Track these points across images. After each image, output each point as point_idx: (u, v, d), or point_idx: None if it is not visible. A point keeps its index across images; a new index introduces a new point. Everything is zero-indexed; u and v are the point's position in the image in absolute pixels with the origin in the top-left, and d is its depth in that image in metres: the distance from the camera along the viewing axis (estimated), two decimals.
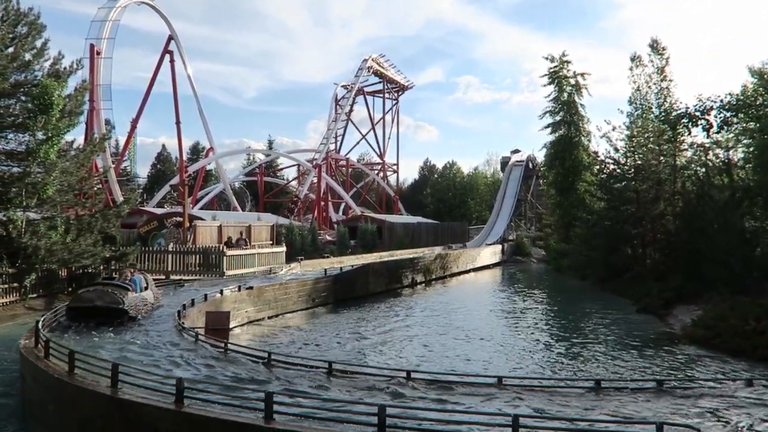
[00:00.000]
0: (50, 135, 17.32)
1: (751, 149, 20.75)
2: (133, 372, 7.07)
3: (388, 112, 72.93)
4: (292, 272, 23.54)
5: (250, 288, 17.48)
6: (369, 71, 67.34)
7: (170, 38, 47.13)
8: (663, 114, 28.06)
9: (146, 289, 13.68)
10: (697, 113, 19.74)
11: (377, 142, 72.97)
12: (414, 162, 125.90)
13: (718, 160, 23.36)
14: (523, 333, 16.75)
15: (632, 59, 33.30)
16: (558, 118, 45.65)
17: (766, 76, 20.51)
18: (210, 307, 14.19)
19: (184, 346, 10.05)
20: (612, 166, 31.06)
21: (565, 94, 45.81)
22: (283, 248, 27.50)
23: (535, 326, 18.15)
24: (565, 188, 43.25)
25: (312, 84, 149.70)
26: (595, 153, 35.85)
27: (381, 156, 72.95)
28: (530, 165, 64.63)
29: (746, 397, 7.63)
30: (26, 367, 8.50)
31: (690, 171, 26.01)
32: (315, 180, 54.17)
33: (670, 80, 31.52)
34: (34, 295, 17.60)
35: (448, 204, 78.73)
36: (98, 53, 41.75)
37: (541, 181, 58.90)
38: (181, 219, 26.25)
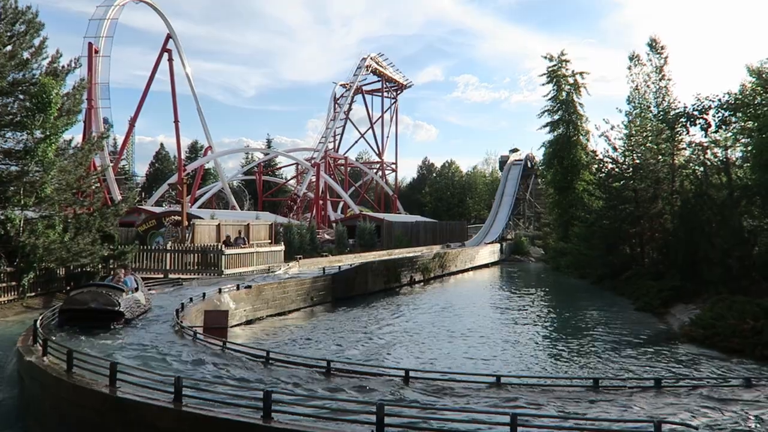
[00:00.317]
0: (48, 134, 17.28)
1: (750, 148, 20.77)
2: (132, 371, 7.06)
3: (386, 110, 73.03)
4: (290, 271, 23.54)
5: (249, 287, 17.47)
6: (368, 70, 67.38)
7: (168, 37, 47.10)
8: (661, 113, 28.14)
9: (136, 290, 13.30)
10: (696, 112, 19.79)
11: (376, 141, 73.09)
12: (413, 161, 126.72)
13: (716, 159, 23.36)
14: (521, 332, 16.76)
15: (631, 58, 33.37)
16: (557, 117, 45.70)
17: (764, 75, 20.52)
18: (208, 306, 14.18)
19: (184, 346, 10.04)
20: (610, 165, 31.11)
21: (564, 93, 45.85)
22: (282, 247, 27.49)
23: (534, 325, 18.17)
24: (563, 187, 43.30)
25: (311, 83, 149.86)
26: (594, 152, 35.95)
27: (380, 155, 73.00)
28: (529, 164, 64.67)
29: (745, 396, 7.65)
30: (24, 366, 8.48)
31: (688, 170, 26.03)
32: (313, 179, 54.16)
33: (669, 79, 31.61)
34: (32, 294, 17.56)
35: (447, 203, 78.83)
36: (96, 52, 41.71)
37: (540, 180, 58.93)
38: (180, 218, 26.22)
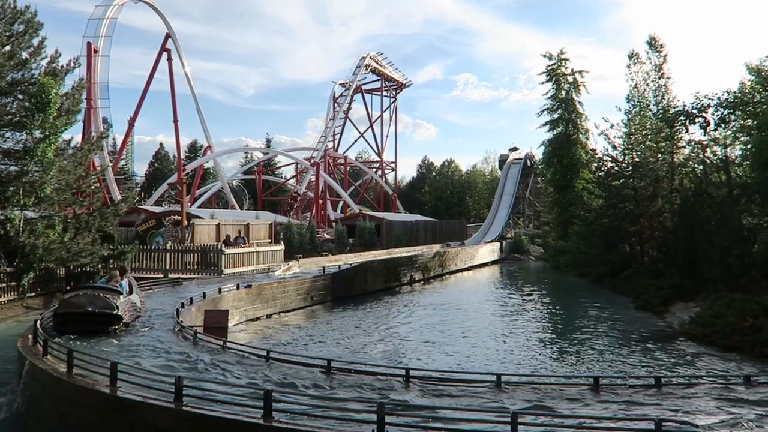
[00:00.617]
0: (47, 133, 17.27)
1: (749, 146, 20.77)
2: (132, 370, 7.06)
3: (386, 110, 73.06)
4: (290, 270, 23.54)
5: (249, 286, 17.47)
6: (367, 69, 67.39)
7: (168, 36, 47.09)
8: (661, 111, 28.14)
9: (131, 292, 12.72)
10: (695, 111, 19.79)
11: (375, 140, 73.10)
12: (412, 160, 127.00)
13: (715, 158, 23.37)
14: (521, 330, 16.77)
15: (630, 57, 33.39)
16: (556, 115, 45.73)
17: (763, 73, 20.52)
18: (208, 306, 14.18)
19: (189, 349, 10.04)
20: (610, 164, 31.12)
21: (563, 92, 45.87)
22: (282, 246, 27.49)
23: (534, 324, 18.18)
24: (563, 186, 43.32)
25: (310, 82, 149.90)
26: (593, 150, 35.95)
27: (379, 154, 73.01)
28: (528, 163, 64.69)
29: (745, 394, 7.66)
30: (24, 366, 8.48)
31: (688, 168, 26.04)
32: (313, 178, 54.15)
33: (668, 78, 31.64)
34: (32, 294, 17.56)
35: (447, 202, 78.82)
36: (95, 51, 41.71)
37: (540, 178, 58.98)
38: (180, 217, 26.21)
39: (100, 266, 19.01)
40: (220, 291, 15.85)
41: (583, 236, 31.83)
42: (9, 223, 17.24)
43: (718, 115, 19.78)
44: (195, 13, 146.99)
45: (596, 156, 34.12)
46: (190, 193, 47.50)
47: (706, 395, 7.59)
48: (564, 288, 29.87)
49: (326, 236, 40.66)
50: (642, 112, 31.50)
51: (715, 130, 21.67)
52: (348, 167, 69.87)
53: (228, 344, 10.04)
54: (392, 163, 74.54)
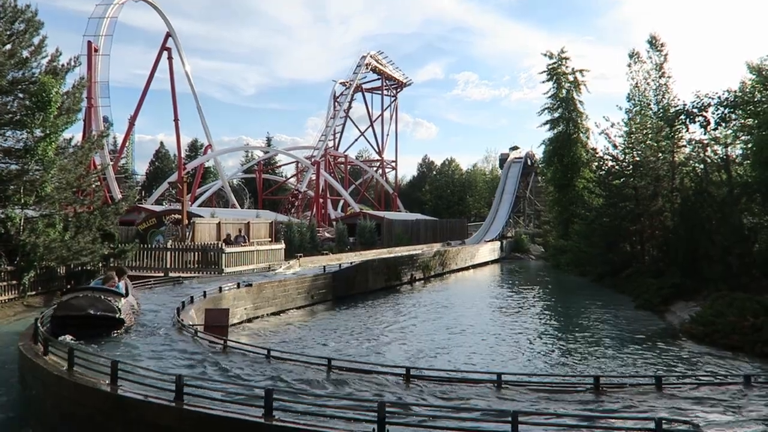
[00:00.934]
0: (48, 132, 17.28)
1: (750, 145, 20.76)
2: (133, 369, 7.07)
3: (386, 108, 73.05)
4: (290, 269, 23.54)
5: (249, 285, 17.48)
6: (367, 68, 67.38)
7: (168, 35, 47.10)
8: (661, 110, 28.12)
9: (126, 294, 12.14)
10: (695, 110, 19.77)
11: (376, 139, 73.11)
12: (413, 159, 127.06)
13: (716, 157, 23.36)
14: (521, 329, 16.77)
15: (631, 56, 33.33)
16: (557, 114, 45.70)
17: (764, 72, 20.50)
18: (209, 305, 14.19)
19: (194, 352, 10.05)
20: (610, 163, 31.10)
21: (564, 91, 45.84)
22: (282, 245, 27.49)
23: (534, 323, 18.18)
24: (563, 185, 43.30)
25: (311, 81, 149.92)
26: (594, 150, 35.92)
27: (380, 153, 73.00)
28: (529, 162, 64.65)
29: (745, 394, 7.66)
30: (25, 365, 8.49)
31: (688, 167, 26.03)
32: (313, 177, 54.18)
33: (669, 77, 31.57)
34: (33, 293, 17.58)
35: (447, 201, 78.82)
36: (96, 50, 41.74)
37: (540, 177, 58.93)
38: (180, 216, 26.23)
39: (100, 265, 19.03)
40: (220, 290, 15.86)
41: (584, 235, 31.82)
42: (10, 222, 17.25)
43: (718, 114, 19.75)
44: (194, 11, 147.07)
45: (597, 155, 34.11)
46: (191, 191, 47.52)
47: (707, 395, 7.59)
48: (564, 287, 29.87)
49: (327, 235, 40.67)
50: (643, 111, 31.46)
51: (715, 129, 21.64)
52: (348, 166, 69.89)
53: (229, 343, 10.05)
54: (393, 161, 74.55)
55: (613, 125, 30.97)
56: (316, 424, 5.67)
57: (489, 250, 45.36)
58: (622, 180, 29.74)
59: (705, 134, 22.42)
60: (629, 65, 33.31)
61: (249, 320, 16.88)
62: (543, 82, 47.30)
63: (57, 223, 18.05)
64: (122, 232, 24.92)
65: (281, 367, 8.83)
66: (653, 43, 32.25)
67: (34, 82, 17.20)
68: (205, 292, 15.29)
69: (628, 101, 32.94)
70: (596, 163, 34.54)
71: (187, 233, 25.18)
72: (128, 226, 28.42)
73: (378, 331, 16.01)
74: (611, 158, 31.03)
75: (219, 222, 28.08)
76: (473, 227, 61.13)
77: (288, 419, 5.74)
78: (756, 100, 19.44)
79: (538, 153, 55.50)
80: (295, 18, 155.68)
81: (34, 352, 8.44)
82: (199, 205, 48.72)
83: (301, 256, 27.32)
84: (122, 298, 10.94)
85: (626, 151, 30.02)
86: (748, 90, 20.31)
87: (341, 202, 62.75)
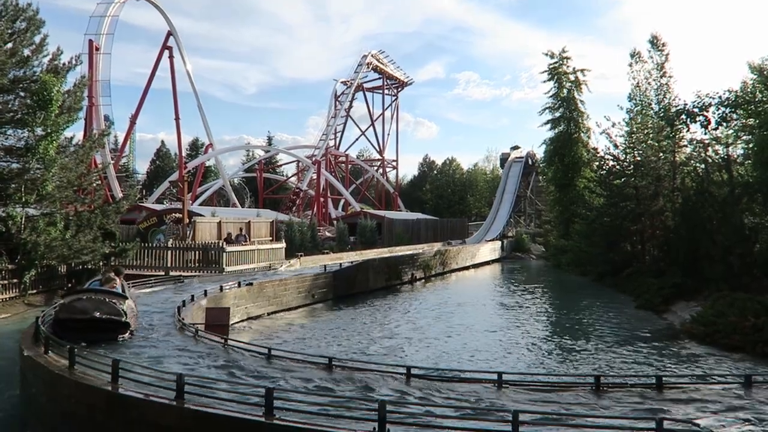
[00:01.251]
0: (49, 131, 17.31)
1: (751, 145, 20.74)
2: (133, 368, 7.07)
3: (387, 108, 73.07)
4: (291, 268, 23.55)
5: (250, 284, 17.49)
6: (368, 67, 67.38)
7: (169, 34, 47.09)
8: (662, 110, 28.08)
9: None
10: (696, 109, 19.74)
11: (377, 139, 73.12)
12: (413, 158, 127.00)
13: (717, 157, 23.33)
14: (522, 329, 16.77)
15: (632, 55, 33.25)
16: (557, 114, 45.65)
17: (765, 72, 20.47)
18: (210, 304, 14.20)
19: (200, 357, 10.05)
20: (611, 163, 31.08)
21: (565, 91, 45.78)
22: (283, 244, 27.50)
23: (535, 322, 18.17)
24: (564, 184, 43.27)
25: (311, 80, 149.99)
26: (595, 149, 35.89)
27: (380, 152, 73.01)
28: (530, 161, 64.61)
29: (745, 394, 7.65)
30: (26, 363, 8.50)
31: (689, 167, 26.00)
32: (314, 176, 54.18)
33: (670, 76, 31.47)
34: (34, 291, 17.61)
35: (448, 200, 78.83)
36: (97, 49, 41.74)
37: (541, 177, 58.90)
38: (181, 215, 26.24)
39: (101, 263, 19.05)
40: (221, 289, 15.86)
41: (585, 235, 31.81)
42: (11, 221, 17.28)
43: (719, 114, 19.73)
44: (195, 10, 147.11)
45: (598, 155, 34.08)
46: (192, 190, 47.54)
47: (708, 395, 7.59)
48: (565, 287, 29.86)
49: (327, 234, 40.69)
50: (644, 111, 31.40)
51: (716, 128, 21.61)
52: (349, 165, 69.92)
53: (229, 342, 10.05)
54: (393, 161, 74.57)
55: (614, 125, 30.96)
56: (317, 423, 5.67)
57: (490, 250, 45.35)
58: (623, 180, 29.71)
59: (706, 134, 22.41)
60: (630, 65, 33.25)
61: (250, 319, 16.89)
62: (544, 81, 47.31)
63: (58, 221, 18.07)
64: (123, 231, 24.95)
65: (282, 366, 8.83)
66: (654, 42, 32.18)
67: (35, 81, 17.24)
68: (205, 291, 15.30)
69: (629, 101, 32.88)
70: (597, 163, 34.50)
71: (188, 232, 25.19)
72: (129, 225, 28.45)
73: (379, 331, 16.01)
74: (612, 158, 31.00)
75: (220, 221, 28.10)
76: (474, 227, 61.13)
77: (289, 418, 5.74)
78: (757, 99, 19.41)
79: (539, 152, 55.48)
80: (295, 17, 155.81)
81: (35, 351, 8.45)
82: (200, 204, 48.73)
83: (301, 255, 27.33)
84: (127, 301, 10.63)
85: (627, 150, 29.98)
86: (749, 90, 20.27)
87: (342, 202, 62.77)
